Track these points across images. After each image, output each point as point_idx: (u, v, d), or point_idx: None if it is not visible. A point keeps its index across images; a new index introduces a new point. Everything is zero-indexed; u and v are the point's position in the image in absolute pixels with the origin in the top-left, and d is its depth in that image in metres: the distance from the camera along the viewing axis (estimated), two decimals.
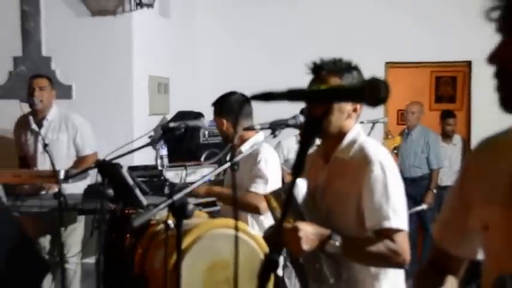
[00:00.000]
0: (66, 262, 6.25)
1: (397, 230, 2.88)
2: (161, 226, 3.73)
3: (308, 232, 2.83)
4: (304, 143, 1.67)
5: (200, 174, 6.88)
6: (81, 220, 6.56)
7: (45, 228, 6.37)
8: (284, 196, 3.12)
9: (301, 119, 3.44)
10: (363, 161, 2.98)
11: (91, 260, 6.64)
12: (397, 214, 2.90)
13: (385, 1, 9.71)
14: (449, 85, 12.65)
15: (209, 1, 10.05)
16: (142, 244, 4.02)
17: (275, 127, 3.36)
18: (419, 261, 8.31)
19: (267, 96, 1.62)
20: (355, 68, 3.17)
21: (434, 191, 9.01)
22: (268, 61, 9.77)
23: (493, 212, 1.77)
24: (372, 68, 7.67)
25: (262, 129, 3.57)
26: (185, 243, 3.39)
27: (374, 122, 6.96)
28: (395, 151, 8.74)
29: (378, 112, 9.01)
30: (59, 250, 6.06)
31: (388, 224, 2.86)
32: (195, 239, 3.59)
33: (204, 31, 9.81)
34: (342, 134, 3.08)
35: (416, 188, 8.85)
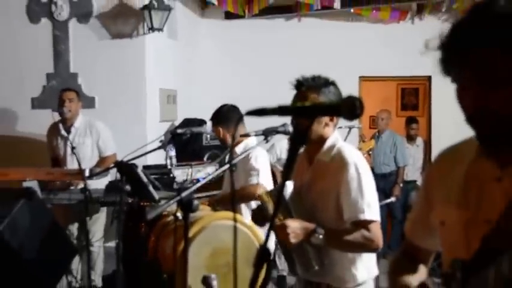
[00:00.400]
0: (91, 246, 6.21)
1: (371, 221, 2.94)
2: (171, 218, 3.73)
3: (295, 228, 2.87)
4: (292, 152, 1.74)
5: (204, 172, 6.87)
6: (103, 210, 6.55)
7: (73, 217, 6.36)
8: (275, 193, 3.18)
9: (289, 127, 3.56)
10: (340, 163, 3.00)
11: (112, 244, 6.60)
12: (371, 208, 2.95)
13: (358, 27, 9.73)
14: (412, 95, 12.60)
15: (210, 26, 9.99)
16: (155, 233, 4.03)
17: (267, 133, 3.46)
18: (388, 245, 8.42)
19: (261, 112, 1.62)
20: (332, 83, 3.16)
21: (401, 185, 9.06)
22: (259, 77, 9.73)
23: (448, 210, 1.77)
24: (348, 82, 7.84)
25: (256, 135, 3.62)
26: (191, 232, 3.43)
27: (350, 128, 6.99)
28: (369, 152, 8.81)
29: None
30: (85, 236, 5.92)
31: (363, 217, 2.92)
32: (200, 229, 3.65)
33: (205, 51, 9.75)
34: (322, 140, 3.11)
35: (385, 182, 8.89)
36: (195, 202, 2.97)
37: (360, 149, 6.85)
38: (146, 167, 6.71)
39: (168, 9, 7.59)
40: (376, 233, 2.96)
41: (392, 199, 7.23)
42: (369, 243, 2.96)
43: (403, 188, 9.18)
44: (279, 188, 3.23)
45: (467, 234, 1.69)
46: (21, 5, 7.98)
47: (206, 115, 8.61)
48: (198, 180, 5.38)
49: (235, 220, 3.39)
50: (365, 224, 2.94)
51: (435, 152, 7.32)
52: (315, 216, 3.02)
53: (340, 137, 3.22)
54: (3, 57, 8.08)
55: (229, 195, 4.65)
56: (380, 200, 3.46)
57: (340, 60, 9.42)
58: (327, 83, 3.17)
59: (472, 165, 1.73)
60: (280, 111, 1.67)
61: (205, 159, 7.78)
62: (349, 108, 1.47)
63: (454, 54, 1.60)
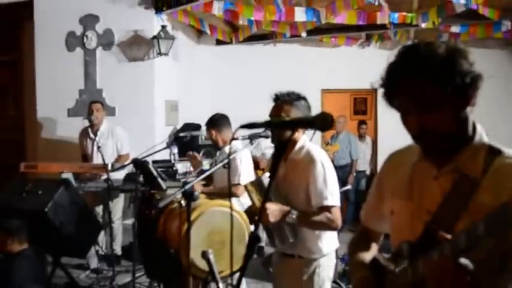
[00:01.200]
0: (113, 223, 6.26)
1: (333, 206, 2.98)
2: (176, 205, 3.71)
3: (274, 209, 2.89)
4: (276, 156, 1.74)
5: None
6: (122, 196, 6.60)
7: (99, 201, 6.43)
8: (256, 183, 3.19)
9: (269, 132, 3.62)
10: (309, 160, 3.03)
11: (129, 221, 6.67)
12: (333, 195, 2.99)
13: (321, 51, 9.76)
14: (362, 103, 12.74)
15: (204, 50, 9.96)
16: (163, 216, 3.99)
17: (252, 137, 3.50)
18: (343, 221, 8.46)
19: (252, 126, 1.70)
20: (303, 98, 3.15)
21: (354, 174, 9.26)
22: (243, 90, 9.69)
23: (397, 202, 1.79)
24: (313, 93, 7.79)
25: (243, 139, 3.60)
26: (193, 216, 3.42)
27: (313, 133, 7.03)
28: (334, 153, 8.88)
29: None
30: (108, 215, 6.06)
31: (326, 202, 2.97)
32: (199, 214, 3.65)
33: (200, 69, 9.70)
34: (294, 142, 3.13)
35: (342, 172, 8.99)
36: (196, 193, 3.04)
37: (327, 150, 6.86)
38: (155, 162, 6.64)
39: (172, 38, 7.61)
40: (337, 214, 3.01)
41: (349, 187, 7.32)
42: (331, 223, 2.99)
43: (355, 176, 9.38)
44: (259, 181, 3.22)
45: (412, 221, 1.70)
46: (61, 38, 8.05)
47: (201, 120, 8.63)
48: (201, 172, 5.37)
49: (231, 208, 3.39)
50: (328, 209, 2.98)
51: (380, 148, 7.37)
52: (289, 202, 3.03)
53: (307, 139, 3.20)
54: (46, 77, 8.13)
55: (218, 190, 4.59)
56: (339, 186, 3.45)
57: (308, 77, 9.46)
58: (299, 97, 3.15)
59: (415, 165, 1.73)
60: (267, 124, 1.67)
61: (201, 154, 7.68)
62: (322, 122, 1.55)
63: (394, 86, 1.60)
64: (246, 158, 4.66)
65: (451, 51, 1.53)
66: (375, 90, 9.75)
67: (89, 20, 7.95)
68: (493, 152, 1.57)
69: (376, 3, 6.52)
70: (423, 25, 7.71)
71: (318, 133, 7.86)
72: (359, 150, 9.43)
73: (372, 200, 2.03)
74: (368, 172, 9.73)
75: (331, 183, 3.02)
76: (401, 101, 1.59)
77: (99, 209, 6.51)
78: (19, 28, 8.82)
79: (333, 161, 8.90)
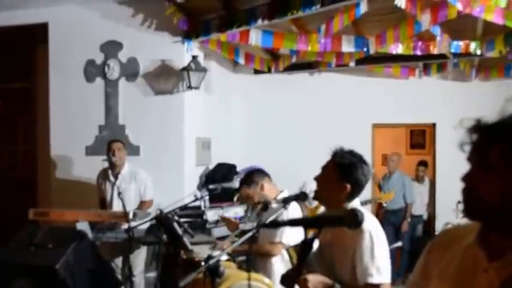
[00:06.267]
0: (134, 276, 6.28)
1: (379, 284, 2.94)
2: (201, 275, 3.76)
3: (315, 281, 2.88)
4: (302, 255, 1.73)
5: (233, 211, 6.85)
6: (144, 247, 6.55)
7: (118, 253, 6.39)
8: (299, 249, 3.22)
9: (306, 196, 3.72)
10: (357, 230, 2.89)
11: (152, 274, 6.64)
12: (380, 272, 2.94)
13: (371, 81, 9.69)
14: (420, 135, 12.57)
15: (240, 80, 10.08)
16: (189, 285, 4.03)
17: (286, 201, 3.62)
18: (397, 272, 8.39)
19: (272, 225, 1.73)
20: (364, 161, 3.16)
21: (409, 219, 9.13)
22: (284, 125, 9.77)
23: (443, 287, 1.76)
24: (363, 127, 7.78)
25: (277, 203, 3.81)
26: None
27: None
28: (386, 202, 8.78)
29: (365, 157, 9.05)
30: (128, 269, 6.08)
31: (371, 280, 2.92)
32: None
33: (236, 103, 9.82)
34: (342, 204, 3.10)
35: (395, 217, 9.04)
36: (221, 268, 2.95)
37: (379, 199, 6.78)
38: (182, 209, 6.63)
39: (204, 70, 7.58)
40: None
41: (399, 244, 7.23)
42: None
43: (410, 222, 9.26)
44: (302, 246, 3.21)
45: None
46: (80, 66, 8.06)
47: (236, 159, 8.70)
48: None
49: (249, 278, 3.36)
50: (373, 286, 2.95)
51: (439, 189, 7.18)
52: (334, 271, 3.04)
53: (358, 203, 3.19)
54: (63, 110, 8.18)
55: (254, 249, 4.56)
56: (391, 232, 3.30)
57: (356, 111, 9.53)
58: (361, 159, 3.17)
59: (467, 251, 1.71)
60: (291, 223, 1.66)
61: (235, 200, 7.71)
62: (352, 219, 1.68)
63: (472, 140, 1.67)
64: (293, 214, 4.54)
65: None
66: (433, 125, 9.66)
67: (111, 48, 8.01)
68: None
69: (427, 32, 6.47)
70: (488, 54, 7.61)
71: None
72: (416, 192, 9.36)
73: (417, 275, 2.00)
74: (425, 217, 9.63)
75: (380, 257, 2.97)
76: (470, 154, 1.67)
77: (119, 261, 6.50)
78: (32, 53, 8.96)
79: (383, 206, 8.92)
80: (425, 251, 1.96)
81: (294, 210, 4.61)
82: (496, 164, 1.55)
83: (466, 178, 1.63)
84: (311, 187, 7.01)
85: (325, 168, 3.19)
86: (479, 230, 1.68)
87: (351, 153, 3.16)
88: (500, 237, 1.60)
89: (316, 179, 3.24)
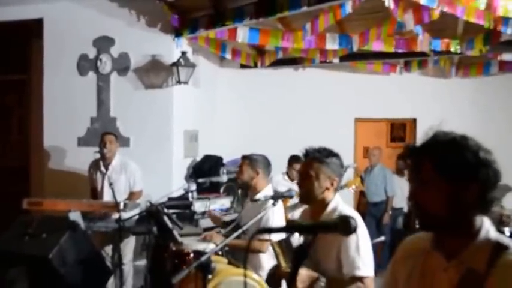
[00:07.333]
0: (123, 265, 6.26)
1: (365, 277, 3.00)
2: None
3: (302, 275, 2.91)
4: (296, 262, 1.83)
5: (219, 203, 7.02)
6: (133, 236, 6.64)
7: (108, 241, 6.46)
8: (284, 244, 3.22)
9: (293, 192, 3.76)
10: None
11: (141, 262, 6.74)
12: (365, 265, 3.00)
13: (354, 77, 9.87)
14: (401, 129, 12.65)
15: (227, 74, 10.20)
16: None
17: (275, 198, 3.72)
18: (378, 264, 8.46)
19: (270, 231, 1.85)
20: (335, 155, 3.21)
21: (390, 212, 9.12)
22: (269, 118, 9.91)
23: None
24: (345, 121, 7.83)
25: (266, 199, 3.87)
26: (210, 286, 3.52)
27: (346, 167, 7.07)
28: (353, 187, 8.79)
29: (348, 153, 9.18)
30: (118, 257, 5.99)
31: (358, 273, 2.98)
32: (217, 284, 3.72)
33: (222, 97, 9.95)
34: (324, 203, 3.17)
35: (376, 209, 9.07)
36: (212, 265, 3.10)
37: (345, 185, 6.87)
38: (171, 199, 6.79)
39: (193, 66, 7.71)
40: (369, 286, 3.03)
41: (382, 238, 7.25)
42: None
43: (391, 214, 9.23)
44: (287, 241, 3.26)
45: None
46: (73, 61, 8.17)
47: (223, 151, 8.83)
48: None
49: (245, 275, 3.45)
50: (360, 279, 3.01)
51: None
52: (319, 266, 3.07)
53: (340, 199, 3.24)
54: (56, 103, 8.26)
55: (243, 244, 4.53)
56: (372, 225, 3.29)
57: (339, 105, 9.69)
58: (331, 154, 3.22)
59: (427, 255, 1.89)
60: (286, 229, 1.79)
61: (221, 191, 7.85)
62: (344, 226, 1.68)
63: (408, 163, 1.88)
64: (278, 211, 4.58)
65: (460, 145, 1.76)
66: (414, 120, 9.83)
67: (103, 43, 8.09)
68: (500, 248, 1.71)
69: (405, 30, 6.58)
70: (468, 53, 7.77)
71: (350, 168, 7.99)
72: (396, 185, 9.27)
73: (387, 281, 2.14)
74: (406, 210, 9.67)
75: (364, 250, 3.04)
76: (409, 171, 1.88)
77: (109, 249, 6.55)
78: (28, 47, 8.98)
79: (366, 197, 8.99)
80: (392, 261, 2.13)
81: (280, 208, 4.63)
82: (432, 178, 1.75)
83: (412, 197, 1.82)
84: (277, 181, 7.19)
85: (303, 171, 3.24)
86: (433, 236, 1.87)
87: (320, 150, 3.23)
88: (453, 239, 1.79)
89: (299, 184, 3.30)
